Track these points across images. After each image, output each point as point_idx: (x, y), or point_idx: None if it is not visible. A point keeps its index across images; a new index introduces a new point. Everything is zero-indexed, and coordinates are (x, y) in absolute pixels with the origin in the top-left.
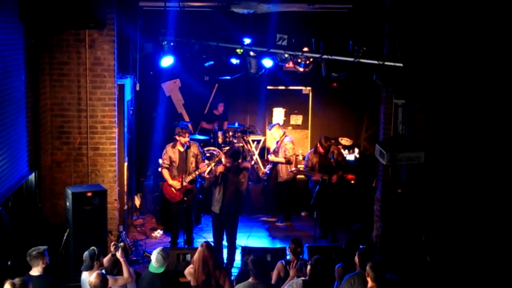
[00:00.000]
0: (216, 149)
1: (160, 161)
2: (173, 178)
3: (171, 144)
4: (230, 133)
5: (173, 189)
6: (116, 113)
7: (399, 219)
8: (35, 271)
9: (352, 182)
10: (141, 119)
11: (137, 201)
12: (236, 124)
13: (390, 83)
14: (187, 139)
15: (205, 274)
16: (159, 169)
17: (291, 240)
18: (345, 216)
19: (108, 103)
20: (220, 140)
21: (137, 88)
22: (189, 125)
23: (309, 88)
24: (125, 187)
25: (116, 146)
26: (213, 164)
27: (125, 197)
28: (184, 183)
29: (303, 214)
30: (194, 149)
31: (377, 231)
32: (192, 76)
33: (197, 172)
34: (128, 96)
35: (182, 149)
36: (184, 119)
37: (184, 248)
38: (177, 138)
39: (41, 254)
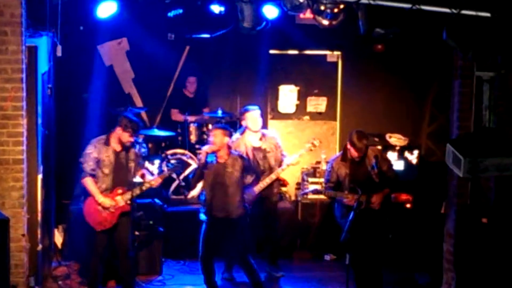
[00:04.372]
0: (186, 152)
1: (81, 163)
2: (103, 192)
3: (102, 138)
4: (210, 126)
5: (101, 208)
6: (25, 94)
7: (484, 266)
8: None
9: (408, 206)
10: (65, 103)
11: (59, 238)
12: (220, 112)
13: (469, 45)
14: (131, 139)
15: None
16: (83, 178)
17: None
18: (399, 263)
19: (10, 78)
20: (193, 138)
21: (59, 53)
22: (143, 114)
23: (337, 53)
24: (39, 214)
25: (24, 147)
26: (167, 175)
27: (39, 231)
28: (122, 203)
29: (327, 258)
30: (134, 150)
31: (449, 285)
32: (147, 34)
33: (147, 186)
34: (43, 66)
35: (119, 148)
36: (134, 103)
37: None
38: (119, 131)
39: None
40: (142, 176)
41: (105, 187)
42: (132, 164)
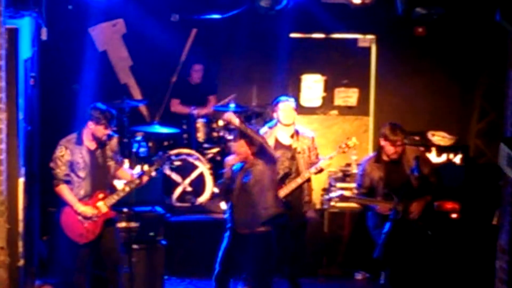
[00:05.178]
0: (193, 152)
1: (52, 169)
2: (82, 199)
3: (73, 137)
4: (220, 122)
5: (81, 218)
6: (4, 84)
7: None
8: None
9: (454, 216)
10: (51, 95)
11: (43, 251)
12: (232, 105)
13: None
14: (108, 131)
15: None
16: (56, 186)
17: None
18: (443, 282)
19: None
20: (200, 135)
21: (44, 37)
22: (142, 107)
23: (371, 37)
24: (20, 224)
25: (4, 146)
26: (153, 170)
27: (21, 243)
28: (105, 208)
29: (359, 276)
30: (112, 145)
31: None
32: (147, 14)
33: (131, 186)
34: (26, 52)
35: (93, 146)
36: (131, 95)
37: None
38: (91, 126)
39: None
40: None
41: (84, 193)
42: (110, 163)
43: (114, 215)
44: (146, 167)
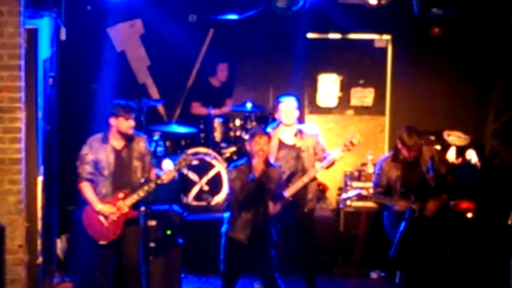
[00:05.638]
0: (210, 151)
1: (77, 167)
2: (102, 198)
3: (99, 136)
4: (237, 122)
5: (102, 218)
6: (23, 83)
7: None
8: None
9: (469, 215)
10: (70, 94)
11: (61, 250)
12: (249, 105)
13: None
14: (131, 123)
15: None
16: (78, 184)
17: None
18: (458, 282)
19: (7, 65)
20: (217, 135)
21: (63, 37)
22: (160, 107)
23: (387, 37)
24: (39, 222)
25: (23, 145)
26: (175, 171)
27: (39, 241)
28: (126, 208)
29: (374, 275)
30: (140, 146)
31: None
32: (165, 15)
33: (151, 185)
34: (45, 52)
35: (120, 145)
36: (149, 95)
37: None
38: (114, 123)
39: None
40: (157, 177)
41: (105, 191)
42: (136, 164)
43: (135, 215)
44: (165, 166)
